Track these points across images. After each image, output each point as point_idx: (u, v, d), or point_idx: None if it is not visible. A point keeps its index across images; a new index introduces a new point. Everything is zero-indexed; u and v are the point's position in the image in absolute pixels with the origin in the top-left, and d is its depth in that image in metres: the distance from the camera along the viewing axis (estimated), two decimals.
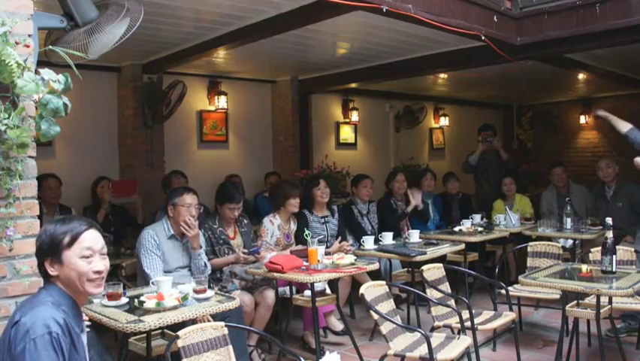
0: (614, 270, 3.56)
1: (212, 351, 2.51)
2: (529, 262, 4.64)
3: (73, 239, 1.89)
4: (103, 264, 1.94)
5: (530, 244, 4.76)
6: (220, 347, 2.54)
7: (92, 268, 1.90)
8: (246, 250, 4.29)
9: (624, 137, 4.78)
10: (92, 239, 1.93)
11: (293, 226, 4.88)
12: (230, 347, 2.57)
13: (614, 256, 3.57)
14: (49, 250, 1.88)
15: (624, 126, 4.81)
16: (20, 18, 2.20)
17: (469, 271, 4.68)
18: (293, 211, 4.83)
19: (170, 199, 3.85)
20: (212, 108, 6.92)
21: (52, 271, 1.89)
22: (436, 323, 3.71)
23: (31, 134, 2.15)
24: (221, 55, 5.81)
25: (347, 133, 8.52)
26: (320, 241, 4.32)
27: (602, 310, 3.56)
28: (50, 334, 1.73)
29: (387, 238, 5.05)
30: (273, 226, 4.73)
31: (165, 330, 3.33)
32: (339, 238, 4.98)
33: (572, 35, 4.91)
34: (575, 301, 3.93)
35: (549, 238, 5.25)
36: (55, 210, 4.95)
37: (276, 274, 3.84)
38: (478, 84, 8.18)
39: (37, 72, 2.12)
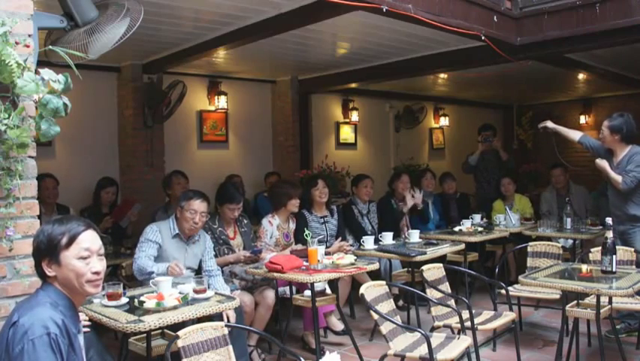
0: (614, 270, 3.56)
1: (212, 351, 2.51)
2: (529, 262, 4.64)
3: (71, 240, 1.88)
4: (101, 265, 1.94)
5: (530, 244, 4.76)
6: (220, 347, 2.54)
7: (90, 269, 1.89)
8: (246, 251, 4.30)
9: (579, 144, 4.90)
10: (90, 240, 1.92)
11: (292, 225, 4.88)
12: (230, 347, 2.57)
13: (614, 256, 3.57)
14: (47, 251, 1.88)
15: (576, 135, 4.93)
16: (20, 18, 2.20)
17: (469, 271, 4.68)
18: (293, 211, 4.83)
19: (180, 201, 3.87)
20: (212, 108, 6.92)
21: (49, 271, 1.88)
22: (436, 323, 3.71)
23: (31, 134, 2.15)
24: (221, 55, 5.81)
25: (347, 133, 8.52)
26: (319, 241, 4.32)
27: (602, 310, 3.56)
28: (49, 335, 1.72)
29: (387, 238, 5.05)
30: (272, 226, 4.73)
31: (165, 330, 3.33)
32: (340, 238, 4.98)
33: (572, 35, 4.91)
34: (575, 301, 3.94)
35: (549, 238, 5.25)
36: (53, 210, 4.95)
37: (276, 274, 3.84)
38: (478, 84, 8.18)
39: (37, 72, 2.12)
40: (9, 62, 1.99)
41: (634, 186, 4.30)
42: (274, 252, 4.51)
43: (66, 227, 1.89)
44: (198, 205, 3.78)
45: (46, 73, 2.12)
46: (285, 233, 4.80)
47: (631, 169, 4.31)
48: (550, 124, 5.09)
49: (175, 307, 2.88)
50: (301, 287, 4.25)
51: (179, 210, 3.83)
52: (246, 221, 4.61)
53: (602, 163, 4.50)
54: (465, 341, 3.29)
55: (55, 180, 5.06)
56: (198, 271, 3.90)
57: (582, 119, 10.31)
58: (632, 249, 4.38)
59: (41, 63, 2.34)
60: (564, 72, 7.19)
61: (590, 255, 4.35)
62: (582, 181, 7.17)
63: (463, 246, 5.20)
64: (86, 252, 1.89)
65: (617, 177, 4.34)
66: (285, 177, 6.87)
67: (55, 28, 2.67)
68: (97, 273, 1.91)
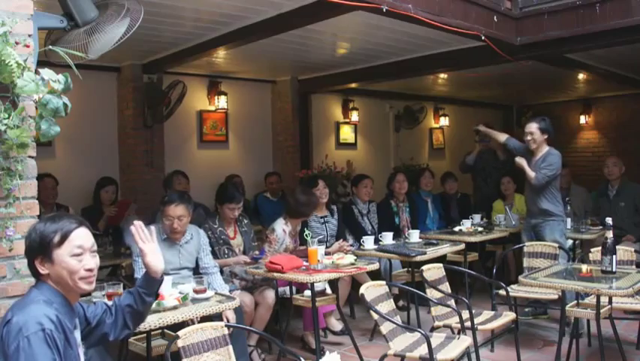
0: (614, 270, 3.56)
1: (212, 351, 2.51)
2: (526, 262, 4.65)
3: (64, 238, 1.88)
4: (94, 261, 1.94)
5: (527, 244, 4.76)
6: (220, 347, 2.54)
7: (83, 266, 1.89)
8: (246, 257, 4.29)
9: (504, 145, 5.40)
10: (83, 237, 1.92)
11: (298, 228, 4.88)
12: (230, 347, 2.57)
13: (614, 256, 3.57)
14: (40, 249, 1.88)
15: (502, 136, 5.43)
16: (20, 18, 2.20)
17: (469, 271, 4.68)
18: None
19: (161, 204, 3.83)
20: (212, 108, 6.92)
21: (42, 269, 1.88)
22: (436, 323, 3.71)
23: (31, 134, 2.15)
24: (221, 55, 5.81)
25: (347, 133, 8.52)
26: (319, 241, 4.32)
27: (602, 310, 3.56)
28: (44, 331, 1.73)
29: (387, 238, 5.05)
30: (285, 234, 4.61)
31: (165, 330, 3.33)
32: (341, 239, 4.98)
33: (572, 35, 4.91)
34: (575, 301, 3.94)
35: None
36: (53, 210, 4.94)
37: (276, 274, 3.84)
38: (478, 84, 8.18)
39: (37, 72, 2.12)
40: (9, 62, 1.99)
41: (544, 183, 4.76)
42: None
43: (58, 225, 1.89)
44: (173, 210, 3.67)
45: (46, 73, 2.12)
46: (294, 238, 4.74)
47: (543, 167, 4.78)
48: (482, 127, 5.81)
49: (175, 307, 2.88)
50: (301, 287, 4.25)
51: (162, 214, 3.80)
52: (246, 221, 4.61)
53: (521, 161, 4.92)
54: (465, 341, 3.29)
55: (54, 179, 5.05)
56: (196, 270, 3.89)
57: (582, 119, 10.30)
58: (632, 249, 4.40)
59: (41, 63, 2.34)
60: (564, 72, 7.18)
61: (590, 255, 4.35)
62: (582, 182, 7.17)
63: (463, 246, 5.20)
64: (78, 249, 1.89)
65: (532, 174, 4.80)
66: (285, 177, 6.91)
67: (55, 28, 2.67)
68: (90, 270, 1.91)
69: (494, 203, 6.61)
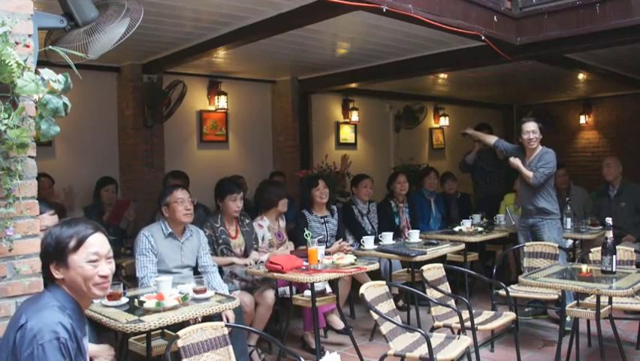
0: (614, 270, 3.56)
1: (212, 351, 2.51)
2: (526, 262, 4.65)
3: (80, 243, 1.88)
4: (109, 268, 1.94)
5: (527, 244, 4.76)
6: (220, 347, 2.54)
7: (98, 273, 1.90)
8: (239, 259, 4.32)
9: (494, 147, 5.54)
10: (99, 243, 1.93)
11: (282, 223, 4.91)
12: (230, 347, 2.57)
13: (614, 256, 3.57)
14: (55, 254, 1.88)
15: (492, 139, 5.52)
16: (20, 18, 2.20)
17: (469, 271, 4.68)
18: (283, 210, 4.88)
19: (162, 200, 3.86)
20: (212, 108, 6.92)
21: (57, 274, 1.88)
22: (436, 323, 3.72)
23: (31, 134, 2.15)
24: (221, 55, 5.81)
25: (347, 133, 8.52)
26: (319, 241, 4.32)
27: (602, 310, 3.56)
28: (58, 339, 1.72)
29: (387, 238, 5.06)
30: (263, 228, 4.72)
31: (165, 330, 3.33)
32: (341, 240, 4.98)
33: (572, 35, 4.91)
34: (575, 301, 3.94)
35: None
36: None
37: (276, 274, 3.84)
38: (478, 84, 8.18)
39: (37, 72, 2.12)
40: (9, 62, 1.99)
41: (543, 182, 4.81)
42: (267, 253, 4.51)
43: (74, 230, 1.90)
44: (181, 193, 3.84)
45: (46, 73, 2.12)
46: (276, 232, 4.80)
47: (541, 165, 4.82)
48: (469, 131, 5.91)
49: (175, 307, 2.88)
50: (301, 287, 4.26)
51: (165, 209, 3.83)
52: (247, 221, 4.61)
53: (516, 161, 4.97)
54: (465, 341, 3.29)
55: (50, 179, 5.05)
56: (195, 270, 3.89)
57: (582, 119, 10.30)
58: (632, 249, 4.40)
59: (41, 63, 2.33)
60: (564, 72, 7.18)
61: (590, 255, 4.36)
62: (582, 182, 7.17)
63: (463, 246, 5.20)
64: (94, 256, 1.90)
65: (529, 173, 4.84)
66: (287, 177, 6.89)
67: (55, 28, 2.67)
68: (104, 276, 1.92)
69: (506, 196, 6.58)
